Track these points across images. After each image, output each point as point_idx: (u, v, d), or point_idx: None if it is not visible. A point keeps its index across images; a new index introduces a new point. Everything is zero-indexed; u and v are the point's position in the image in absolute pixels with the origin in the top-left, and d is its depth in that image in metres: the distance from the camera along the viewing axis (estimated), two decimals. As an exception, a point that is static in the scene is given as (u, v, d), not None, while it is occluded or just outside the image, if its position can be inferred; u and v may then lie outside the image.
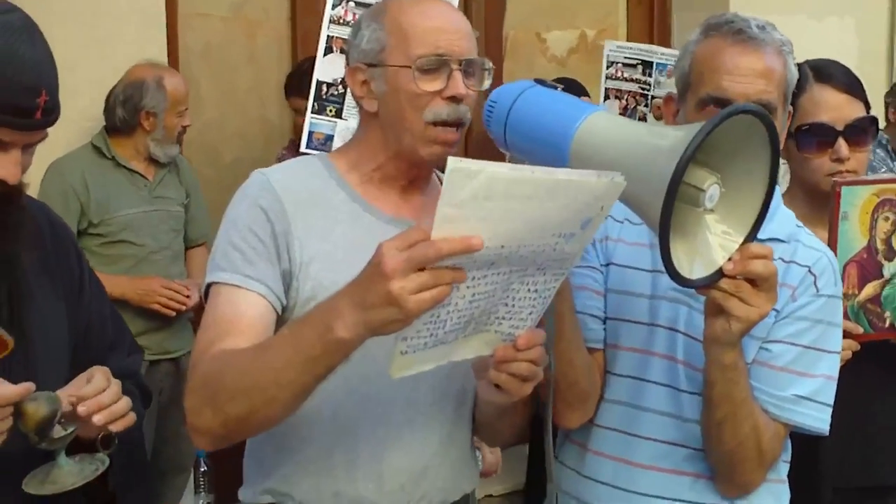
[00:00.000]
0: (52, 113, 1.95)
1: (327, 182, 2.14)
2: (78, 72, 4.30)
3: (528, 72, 5.63)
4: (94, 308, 2.23)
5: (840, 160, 2.69)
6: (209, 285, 2.06)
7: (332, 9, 3.92)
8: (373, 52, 2.10)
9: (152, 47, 4.53)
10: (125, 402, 1.99)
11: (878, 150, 5.72)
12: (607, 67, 5.07)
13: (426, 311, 1.63)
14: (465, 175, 1.54)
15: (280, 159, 4.64)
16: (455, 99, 2.05)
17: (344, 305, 1.70)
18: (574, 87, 4.94)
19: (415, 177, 2.14)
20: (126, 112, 4.30)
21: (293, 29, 5.24)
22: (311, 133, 3.92)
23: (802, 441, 2.27)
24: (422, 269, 1.61)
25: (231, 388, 1.86)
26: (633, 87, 5.08)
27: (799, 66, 2.35)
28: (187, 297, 4.31)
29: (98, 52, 4.40)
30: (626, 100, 5.09)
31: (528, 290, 1.77)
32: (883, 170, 5.22)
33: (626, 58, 5.04)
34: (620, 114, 4.94)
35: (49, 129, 2.00)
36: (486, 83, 2.13)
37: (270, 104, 5.29)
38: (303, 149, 3.89)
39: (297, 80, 4.71)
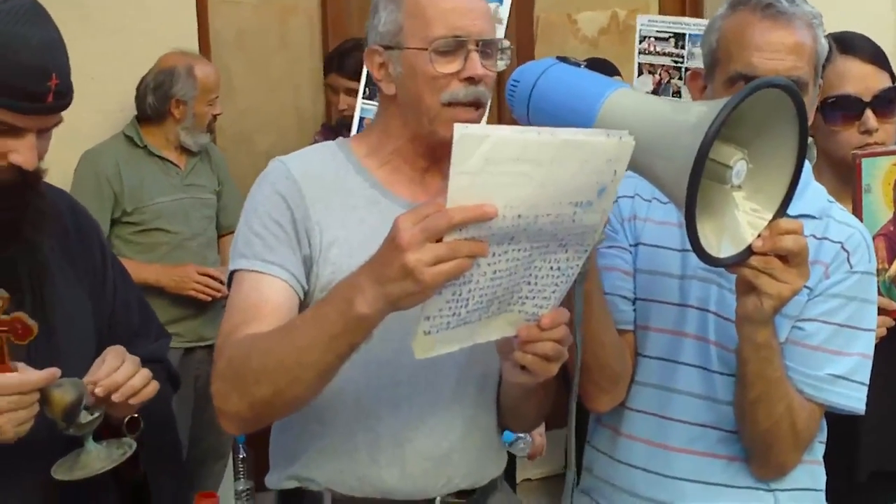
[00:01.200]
0: (64, 96, 1.94)
1: (346, 167, 2.14)
2: (110, 62, 4.34)
3: (559, 53, 5.58)
4: (119, 294, 2.23)
5: (868, 132, 2.66)
6: (232, 273, 2.07)
7: None
8: (389, 34, 2.09)
9: (183, 35, 4.54)
10: (142, 375, 2.00)
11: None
12: (640, 42, 5.02)
13: (443, 283, 1.62)
14: (472, 140, 1.54)
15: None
16: (472, 80, 2.04)
17: (363, 281, 1.70)
18: (605, 67, 4.90)
19: (434, 158, 2.12)
20: (156, 100, 4.32)
21: (324, 14, 5.23)
22: (361, 119, 3.87)
23: (840, 421, 2.23)
24: (440, 242, 1.60)
25: (256, 371, 1.86)
26: (667, 60, 5.02)
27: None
28: (222, 283, 4.30)
29: (129, 42, 4.42)
30: (660, 74, 5.04)
31: (551, 267, 1.76)
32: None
33: (658, 31, 4.98)
34: (654, 89, 4.89)
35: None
36: (504, 63, 2.11)
37: (303, 90, 5.29)
38: (353, 134, 3.86)
39: (340, 57, 4.68)
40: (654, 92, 4.86)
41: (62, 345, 2.05)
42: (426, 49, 2.03)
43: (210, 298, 4.35)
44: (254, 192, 2.11)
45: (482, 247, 1.62)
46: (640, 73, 5.00)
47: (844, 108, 2.66)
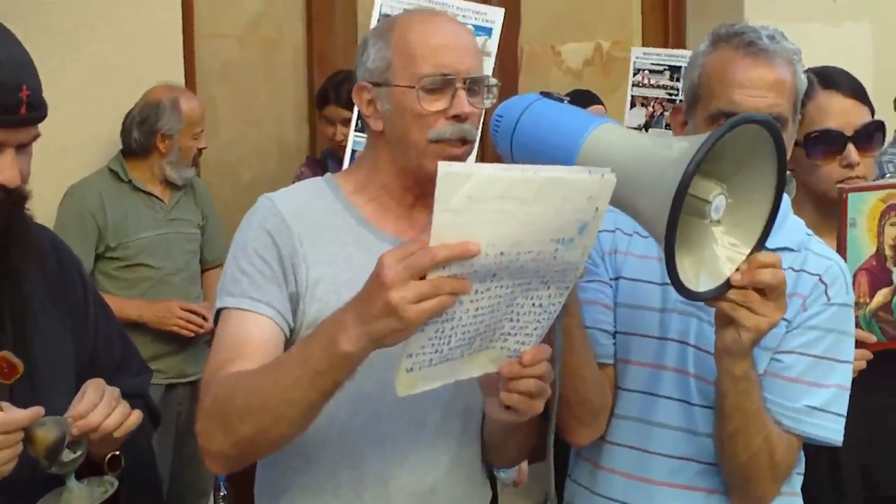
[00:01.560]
0: (37, 108, 1.95)
1: (333, 204, 2.15)
2: (95, 95, 4.35)
3: (543, 85, 5.63)
4: (101, 330, 2.23)
5: (850, 165, 2.67)
6: (219, 310, 2.07)
7: (378, 23, 3.88)
8: (378, 71, 2.11)
9: (169, 69, 4.55)
10: (120, 411, 1.99)
11: (899, 153, 5.69)
12: (634, 75, 5.05)
13: (426, 320, 1.64)
14: (456, 178, 1.55)
15: (299, 177, 4.66)
16: (459, 118, 2.05)
17: (347, 319, 1.70)
18: (587, 98, 4.94)
19: (421, 194, 2.13)
20: (142, 134, 4.31)
21: (309, 47, 5.25)
22: (353, 152, 3.86)
23: (821, 452, 2.25)
24: (423, 279, 1.61)
25: (241, 409, 1.86)
26: (661, 93, 5.05)
27: (806, 73, 2.34)
28: (205, 318, 4.30)
29: (115, 76, 4.42)
30: (653, 106, 5.07)
31: (533, 304, 1.77)
32: (887, 175, 5.16)
33: (652, 64, 5.02)
34: (647, 121, 4.92)
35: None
36: (490, 101, 2.13)
37: (287, 123, 5.30)
38: (345, 167, 3.86)
39: (335, 88, 4.69)
40: (647, 124, 4.89)
41: (42, 381, 2.05)
42: (414, 87, 2.04)
43: (193, 334, 4.33)
44: (242, 229, 2.12)
45: (465, 284, 1.63)
46: (633, 105, 5.03)
47: (827, 143, 2.67)
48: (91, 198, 4.24)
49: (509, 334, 1.80)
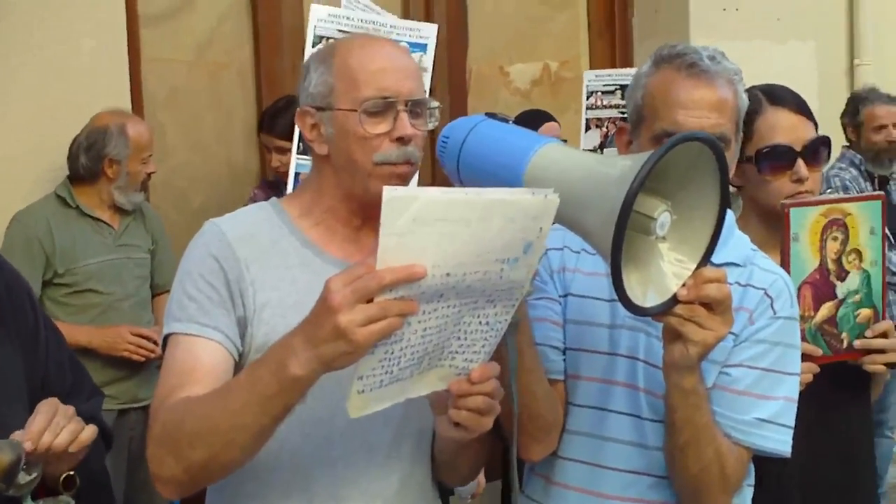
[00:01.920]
0: None
1: (279, 228, 2.15)
2: (41, 121, 4.32)
3: (492, 105, 5.66)
4: (51, 355, 2.23)
5: (800, 180, 2.69)
6: (167, 336, 2.07)
7: (312, 47, 3.88)
8: (320, 96, 2.11)
9: (115, 95, 4.52)
10: (72, 428, 2.00)
11: (851, 169, 5.78)
12: (587, 98, 5.09)
13: (375, 342, 1.65)
14: (401, 202, 1.57)
15: (252, 199, 4.66)
16: (402, 140, 2.06)
17: (296, 342, 1.71)
18: (541, 117, 4.97)
19: (367, 216, 2.14)
20: (89, 160, 4.28)
21: (257, 71, 5.24)
22: (297, 175, 3.84)
23: (766, 464, 2.27)
24: (370, 302, 1.62)
25: (191, 434, 1.86)
26: (614, 112, 5.09)
27: (748, 90, 2.37)
28: (156, 343, 4.26)
29: (61, 102, 4.39)
30: (607, 126, 5.11)
31: (480, 322, 1.78)
32: (829, 189, 5.25)
33: (604, 85, 5.06)
34: (602, 142, 4.96)
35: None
36: (433, 123, 2.14)
37: (236, 147, 5.29)
38: (289, 191, 3.86)
39: (270, 118, 4.73)
40: (602, 145, 4.93)
41: None
42: (356, 110, 2.05)
43: (144, 359, 4.30)
44: (187, 255, 2.12)
45: (412, 305, 1.64)
46: (588, 128, 5.07)
47: (777, 159, 2.69)
48: (38, 224, 4.21)
49: (457, 353, 1.82)
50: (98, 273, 4.28)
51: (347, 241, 2.15)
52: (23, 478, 1.94)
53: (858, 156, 5.86)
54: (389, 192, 1.56)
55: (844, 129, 5.91)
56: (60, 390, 2.21)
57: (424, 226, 1.59)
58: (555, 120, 5.04)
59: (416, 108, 2.10)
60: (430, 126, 2.15)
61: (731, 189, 2.35)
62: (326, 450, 2.07)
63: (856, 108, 5.90)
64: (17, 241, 4.14)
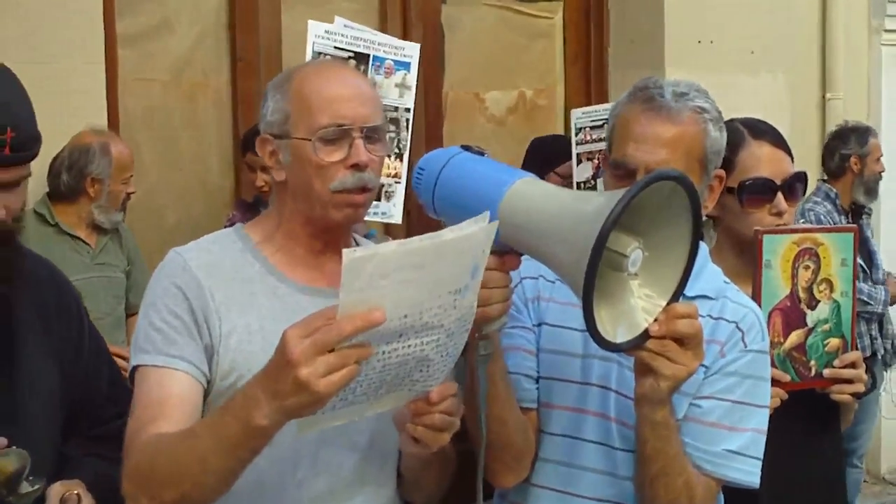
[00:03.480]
0: (23, 148, 1.99)
1: (243, 255, 2.16)
2: (17, 139, 4.30)
3: (467, 131, 5.69)
4: (91, 361, 2.27)
5: (780, 213, 2.73)
6: (134, 368, 2.08)
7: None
8: (277, 124, 2.14)
9: (92, 113, 4.52)
10: None
11: (825, 203, 5.85)
12: (576, 134, 5.14)
13: (337, 391, 1.67)
14: (360, 262, 1.59)
15: (231, 220, 4.67)
16: (358, 166, 2.08)
17: (259, 394, 1.73)
18: (561, 144, 5.06)
19: (327, 241, 2.17)
20: (71, 178, 4.29)
21: (234, 92, 5.24)
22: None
23: (738, 493, 2.30)
24: (329, 351, 1.64)
25: (162, 476, 1.89)
26: (603, 145, 5.13)
27: (729, 122, 2.40)
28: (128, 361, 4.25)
29: (39, 119, 4.35)
30: (598, 158, 5.15)
31: (441, 355, 1.81)
32: (802, 222, 5.32)
33: (592, 121, 5.11)
34: (594, 173, 5.01)
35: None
36: (389, 149, 2.16)
37: (212, 167, 5.29)
38: None
39: (254, 137, 4.73)
40: (594, 175, 4.98)
41: (23, 412, 2.07)
42: (310, 139, 2.08)
43: (118, 377, 4.29)
44: (152, 286, 2.12)
45: (368, 350, 1.67)
46: (580, 161, 5.13)
47: (758, 191, 2.73)
48: (14, 242, 4.19)
49: (417, 381, 1.85)
50: (74, 292, 4.27)
51: (309, 267, 2.17)
52: (25, 487, 1.95)
53: (834, 190, 5.94)
54: (348, 255, 1.58)
55: (844, 159, 5.99)
56: (95, 398, 2.28)
57: (382, 279, 1.62)
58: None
59: (372, 134, 2.12)
60: (386, 152, 2.18)
61: (706, 220, 2.39)
62: (292, 472, 2.08)
63: (865, 138, 6.01)
64: (-8, 258, 4.13)
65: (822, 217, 5.70)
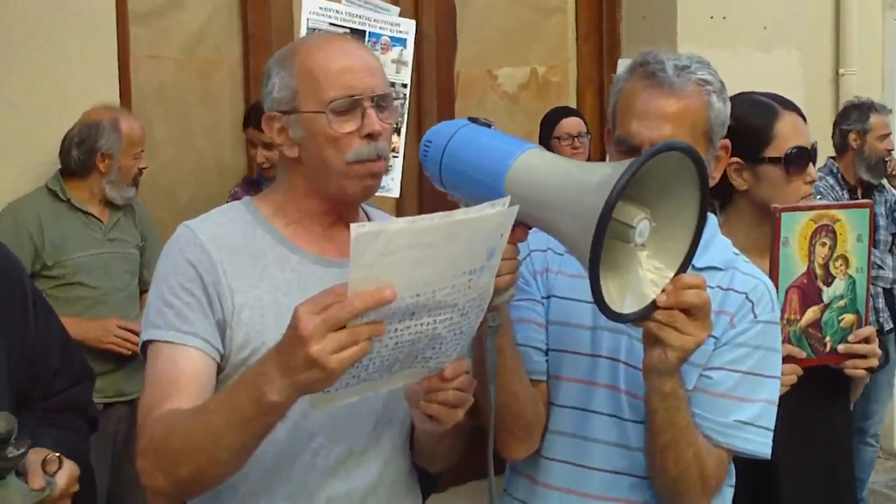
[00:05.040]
0: None
1: (253, 228, 2.17)
2: (31, 116, 4.33)
3: (479, 108, 5.68)
4: (39, 337, 2.24)
5: (812, 182, 2.77)
6: (146, 343, 2.08)
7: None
8: (285, 100, 2.13)
9: (105, 90, 4.53)
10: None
11: (828, 178, 5.83)
12: None
13: (349, 367, 1.68)
14: (368, 237, 1.59)
15: (233, 196, 4.68)
16: (372, 136, 2.09)
17: (272, 371, 1.74)
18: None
19: (340, 214, 2.18)
20: (81, 154, 4.29)
21: (246, 68, 5.24)
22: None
23: (755, 470, 2.31)
24: (340, 328, 1.65)
25: (177, 452, 1.90)
26: None
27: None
28: (142, 336, 4.27)
29: (51, 97, 4.40)
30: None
31: (455, 333, 1.82)
32: (818, 197, 5.31)
33: None
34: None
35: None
36: (400, 115, 2.17)
37: (225, 144, 5.29)
38: None
39: (258, 113, 4.72)
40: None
41: None
42: (323, 111, 2.08)
43: (130, 352, 4.30)
44: (163, 261, 2.13)
45: (381, 328, 1.67)
46: None
47: (801, 160, 2.74)
48: (28, 216, 4.23)
49: (430, 358, 1.85)
50: (87, 267, 4.30)
51: (322, 238, 2.18)
52: (11, 451, 1.94)
53: (836, 165, 5.92)
54: (357, 230, 1.58)
55: (844, 135, 5.95)
56: (45, 372, 2.24)
57: (391, 256, 1.62)
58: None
59: (381, 103, 2.13)
60: (396, 119, 2.17)
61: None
62: (308, 441, 2.09)
63: (866, 115, 5.96)
64: (7, 233, 4.14)
65: (822, 190, 5.68)
